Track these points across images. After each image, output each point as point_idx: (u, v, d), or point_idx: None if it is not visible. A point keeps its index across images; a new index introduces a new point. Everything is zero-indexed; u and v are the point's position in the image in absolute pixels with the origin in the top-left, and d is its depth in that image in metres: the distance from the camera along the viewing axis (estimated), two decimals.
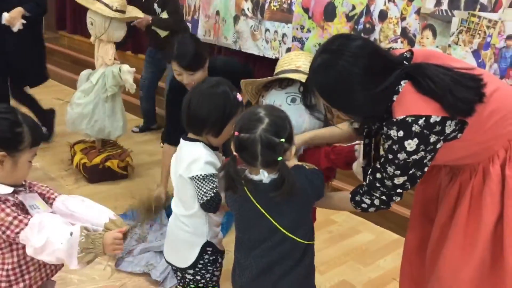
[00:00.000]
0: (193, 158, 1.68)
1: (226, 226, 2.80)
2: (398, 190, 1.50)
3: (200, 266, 1.78)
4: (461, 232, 1.53)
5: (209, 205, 1.67)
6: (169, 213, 1.99)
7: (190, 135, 1.75)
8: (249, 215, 1.53)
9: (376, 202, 1.54)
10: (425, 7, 3.14)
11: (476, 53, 2.94)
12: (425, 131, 1.35)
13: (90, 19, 3.37)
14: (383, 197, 1.52)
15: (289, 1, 3.99)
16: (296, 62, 1.87)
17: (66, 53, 6.90)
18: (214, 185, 1.66)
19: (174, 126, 2.65)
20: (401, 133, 1.37)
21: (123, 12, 3.37)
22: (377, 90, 1.37)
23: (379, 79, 1.37)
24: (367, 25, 3.49)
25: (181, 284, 1.92)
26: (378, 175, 1.49)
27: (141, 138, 4.59)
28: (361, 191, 1.57)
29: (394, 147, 1.40)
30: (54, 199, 1.67)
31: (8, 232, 1.45)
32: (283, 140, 1.42)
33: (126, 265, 2.60)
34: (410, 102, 1.38)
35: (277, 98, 1.87)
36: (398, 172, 1.43)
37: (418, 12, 3.18)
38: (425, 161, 1.42)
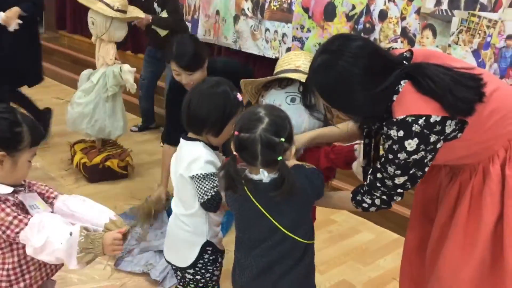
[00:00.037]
0: (193, 158, 1.68)
1: (226, 226, 2.80)
2: (399, 190, 1.50)
3: (200, 265, 1.78)
4: (461, 232, 1.53)
5: (210, 204, 1.68)
6: (169, 212, 1.99)
7: (190, 134, 1.75)
8: (249, 214, 1.54)
9: (377, 201, 1.54)
10: (425, 7, 3.14)
11: (476, 53, 2.94)
12: (425, 130, 1.35)
13: (91, 19, 3.37)
14: (384, 197, 1.52)
15: (289, 1, 3.99)
16: (296, 62, 1.87)
17: (66, 52, 6.90)
18: (215, 184, 1.66)
19: (174, 126, 2.64)
20: (401, 133, 1.37)
21: (124, 12, 3.38)
22: (377, 90, 1.37)
23: (379, 79, 1.37)
24: (367, 25, 3.49)
25: (181, 283, 1.92)
26: (379, 175, 1.49)
27: (141, 137, 4.59)
28: (362, 191, 1.57)
29: (394, 147, 1.40)
30: (53, 198, 1.67)
31: (8, 232, 1.45)
32: (283, 139, 1.42)
33: (125, 264, 2.61)
34: (410, 102, 1.38)
35: (276, 98, 1.87)
36: (399, 172, 1.43)
37: (418, 11, 3.18)
38: (425, 161, 1.42)
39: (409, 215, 1.86)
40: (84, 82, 3.55)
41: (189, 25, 4.96)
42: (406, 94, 1.39)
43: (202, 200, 1.67)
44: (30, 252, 1.45)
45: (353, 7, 3.55)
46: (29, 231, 1.43)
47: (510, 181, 1.45)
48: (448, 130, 1.37)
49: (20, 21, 3.53)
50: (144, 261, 2.62)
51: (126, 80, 3.34)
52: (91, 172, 3.58)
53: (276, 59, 2.02)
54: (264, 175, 1.46)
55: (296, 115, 1.80)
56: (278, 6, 4.10)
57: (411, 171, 1.43)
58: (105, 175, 3.60)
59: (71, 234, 1.42)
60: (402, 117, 1.37)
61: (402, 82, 1.41)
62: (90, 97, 3.46)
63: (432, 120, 1.35)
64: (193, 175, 1.67)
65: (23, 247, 1.48)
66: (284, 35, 4.09)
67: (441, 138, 1.38)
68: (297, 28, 3.97)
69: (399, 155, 1.39)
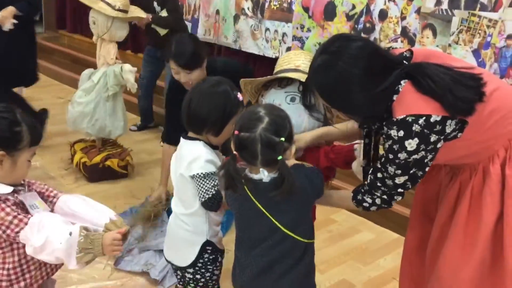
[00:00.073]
0: (194, 157, 1.68)
1: (226, 225, 2.80)
2: (400, 190, 1.50)
3: (200, 265, 1.78)
4: (461, 231, 1.53)
5: (211, 203, 1.68)
6: (169, 212, 1.99)
7: (190, 134, 1.75)
8: (249, 214, 1.53)
9: (378, 201, 1.54)
10: (425, 7, 3.14)
11: (476, 53, 2.94)
12: (425, 130, 1.35)
13: (93, 18, 3.37)
14: (385, 196, 1.52)
15: (289, 0, 3.99)
16: (296, 61, 1.87)
17: (66, 52, 6.90)
18: (215, 183, 1.66)
19: (174, 125, 2.64)
20: (401, 133, 1.37)
21: (125, 11, 3.38)
22: (377, 90, 1.37)
23: (379, 79, 1.37)
24: (367, 25, 3.49)
25: (181, 283, 1.92)
26: (379, 175, 1.49)
27: (141, 137, 4.60)
28: (362, 190, 1.57)
29: (394, 146, 1.39)
30: (53, 197, 1.67)
31: (8, 232, 1.45)
32: (283, 139, 1.42)
33: (125, 264, 2.61)
34: (410, 101, 1.38)
35: (276, 98, 1.87)
36: (399, 171, 1.43)
37: (418, 11, 3.18)
38: (426, 161, 1.41)
39: (409, 214, 1.86)
40: (85, 82, 3.56)
41: (189, 24, 4.96)
42: (406, 94, 1.39)
43: (203, 199, 1.67)
44: (30, 252, 1.45)
45: (353, 7, 3.55)
46: (29, 231, 1.43)
47: (510, 180, 1.45)
48: (448, 129, 1.37)
49: (15, 21, 3.49)
50: (143, 260, 2.62)
51: (127, 80, 3.34)
52: (91, 172, 3.58)
53: (276, 59, 2.02)
54: (264, 175, 1.46)
55: (296, 114, 1.80)
56: (278, 6, 4.10)
57: (411, 171, 1.43)
58: (105, 174, 3.60)
59: (70, 234, 1.42)
60: (402, 117, 1.37)
61: (402, 82, 1.41)
62: (90, 96, 3.46)
63: (432, 119, 1.35)
64: (194, 175, 1.67)
65: (24, 246, 1.48)
66: (284, 34, 4.09)
67: (441, 137, 1.38)
68: (297, 28, 3.97)
69: (399, 155, 1.39)
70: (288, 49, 4.03)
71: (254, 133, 1.42)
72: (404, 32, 3.28)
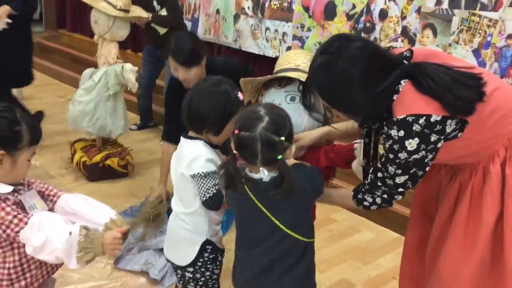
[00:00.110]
0: (194, 156, 1.68)
1: (226, 225, 2.80)
2: (400, 189, 1.50)
3: (199, 264, 1.78)
4: (461, 231, 1.53)
5: (212, 202, 1.68)
6: (169, 211, 1.99)
7: (190, 133, 1.75)
8: (249, 213, 1.54)
9: (378, 200, 1.54)
10: (425, 6, 3.14)
11: (476, 52, 2.94)
12: (425, 130, 1.35)
13: (94, 18, 3.38)
14: (385, 196, 1.52)
15: (289, 0, 3.99)
16: (296, 61, 1.87)
17: (66, 51, 6.90)
18: (216, 182, 1.66)
19: (173, 124, 2.65)
20: (401, 133, 1.37)
21: (127, 11, 3.38)
22: (377, 90, 1.37)
23: (379, 79, 1.37)
24: (368, 24, 3.49)
25: (181, 282, 1.92)
26: (380, 174, 1.49)
27: (141, 136, 4.60)
28: (363, 189, 1.57)
29: (395, 146, 1.39)
30: (53, 196, 1.67)
31: (8, 231, 1.45)
32: (283, 138, 1.42)
33: (125, 263, 2.61)
34: (410, 101, 1.38)
35: (276, 97, 1.87)
36: (399, 171, 1.43)
37: (418, 11, 3.18)
38: (426, 161, 1.41)
39: (409, 214, 1.86)
40: (86, 81, 3.56)
41: (189, 24, 4.96)
42: (406, 94, 1.39)
43: (204, 199, 1.67)
44: (30, 252, 1.45)
45: (354, 6, 3.55)
46: (28, 230, 1.43)
47: (510, 180, 1.45)
48: (448, 129, 1.37)
49: (9, 20, 3.44)
50: (143, 260, 2.62)
51: (128, 79, 3.34)
52: (91, 171, 3.58)
53: (276, 58, 2.02)
54: (264, 174, 1.46)
55: (296, 114, 1.80)
56: (278, 5, 4.10)
57: (411, 171, 1.43)
58: (105, 173, 3.60)
59: (70, 233, 1.42)
60: (402, 116, 1.37)
61: (402, 82, 1.41)
62: (91, 95, 3.46)
63: (432, 119, 1.35)
64: (194, 174, 1.67)
65: (24, 246, 1.48)
66: (284, 34, 4.08)
67: (442, 137, 1.38)
68: (297, 27, 3.96)
69: (399, 154, 1.39)
70: (288, 48, 4.03)
71: (254, 132, 1.42)
72: (405, 32, 3.28)
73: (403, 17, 3.27)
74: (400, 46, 3.25)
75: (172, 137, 2.71)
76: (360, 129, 1.70)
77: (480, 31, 2.89)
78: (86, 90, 3.49)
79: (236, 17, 4.50)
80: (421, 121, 1.34)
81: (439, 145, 1.39)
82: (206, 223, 1.76)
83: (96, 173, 3.58)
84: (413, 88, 1.38)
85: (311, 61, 1.47)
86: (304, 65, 1.81)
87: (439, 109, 1.35)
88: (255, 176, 1.49)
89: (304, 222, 1.56)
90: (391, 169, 1.44)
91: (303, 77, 1.78)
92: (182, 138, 1.78)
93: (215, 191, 1.66)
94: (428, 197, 1.74)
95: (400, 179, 1.45)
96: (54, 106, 4.95)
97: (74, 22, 7.25)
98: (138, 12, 3.56)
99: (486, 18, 2.85)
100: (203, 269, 1.79)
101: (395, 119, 1.38)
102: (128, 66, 3.36)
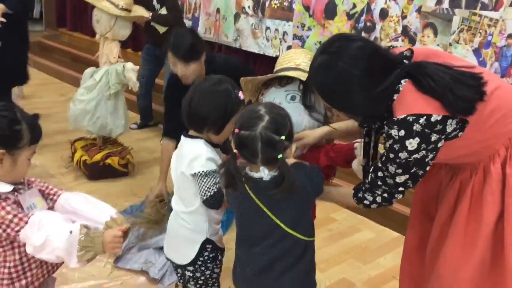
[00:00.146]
0: (194, 155, 1.68)
1: (226, 224, 2.80)
2: (400, 188, 1.50)
3: (199, 263, 1.78)
4: (461, 231, 1.52)
5: (212, 201, 1.68)
6: (170, 210, 1.99)
7: (191, 132, 1.75)
8: (249, 212, 1.54)
9: (378, 199, 1.54)
10: (426, 6, 3.14)
11: (477, 52, 2.93)
12: (426, 130, 1.35)
13: (96, 17, 3.39)
14: (385, 195, 1.52)
15: None
16: (296, 60, 1.87)
17: (66, 50, 6.91)
18: (217, 181, 1.66)
19: (173, 121, 2.66)
20: (402, 132, 1.37)
21: (129, 11, 3.39)
22: (377, 90, 1.37)
23: (379, 79, 1.37)
24: (368, 24, 3.49)
25: (181, 281, 1.92)
26: (380, 174, 1.49)
27: (141, 135, 4.60)
28: (363, 188, 1.57)
29: (395, 146, 1.39)
30: (53, 195, 1.67)
31: (8, 230, 1.45)
32: (283, 137, 1.42)
33: (125, 262, 2.61)
34: (410, 101, 1.38)
35: (276, 96, 1.87)
36: (400, 171, 1.43)
37: (419, 10, 3.18)
38: (426, 160, 1.41)
39: (409, 213, 1.86)
40: (87, 80, 3.57)
41: (189, 23, 4.95)
42: (406, 93, 1.39)
43: (204, 198, 1.67)
44: (30, 251, 1.45)
45: (354, 6, 3.55)
46: (29, 230, 1.43)
47: (510, 180, 1.45)
48: (449, 129, 1.37)
49: (3, 19, 3.40)
50: (143, 259, 2.63)
51: (129, 78, 3.36)
52: (91, 170, 3.58)
53: (277, 58, 2.02)
54: (264, 173, 1.46)
55: (296, 113, 1.80)
56: (278, 5, 4.10)
57: (412, 170, 1.43)
58: (106, 172, 3.60)
59: (71, 232, 1.42)
60: (403, 116, 1.37)
61: (402, 81, 1.40)
62: (92, 94, 3.47)
63: (433, 119, 1.34)
64: (195, 173, 1.67)
65: (24, 245, 1.48)
66: (284, 33, 4.08)
67: (442, 137, 1.38)
68: (297, 27, 3.96)
69: (400, 154, 1.39)
70: (289, 48, 4.03)
71: (254, 131, 1.42)
72: (405, 31, 3.28)
73: (404, 17, 3.27)
74: (401, 45, 3.25)
75: (171, 134, 2.72)
76: (360, 128, 1.70)
77: (480, 30, 2.89)
78: (87, 89, 3.50)
79: (237, 16, 4.50)
80: (422, 120, 1.34)
81: (439, 144, 1.39)
82: (206, 222, 1.76)
83: (97, 172, 3.58)
84: (414, 88, 1.38)
85: (311, 60, 1.47)
86: (304, 64, 1.81)
87: (440, 108, 1.35)
88: (255, 175, 1.49)
89: (304, 221, 1.56)
90: (392, 168, 1.44)
91: (303, 76, 1.78)
92: (182, 137, 1.78)
93: (215, 190, 1.66)
94: (428, 196, 1.73)
95: (400, 179, 1.45)
96: (54, 105, 4.96)
97: (74, 21, 7.25)
98: (140, 11, 3.57)
99: (486, 17, 2.85)
100: (203, 268, 1.79)
101: (395, 119, 1.38)
102: (129, 65, 3.37)
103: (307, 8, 3.87)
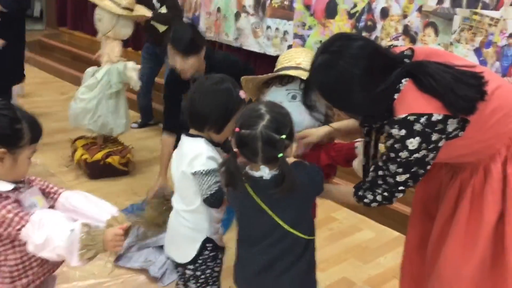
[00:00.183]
0: (195, 154, 1.68)
1: (227, 223, 2.80)
2: (401, 187, 1.50)
3: (200, 261, 1.78)
4: (462, 230, 1.52)
5: (213, 200, 1.68)
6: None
7: (191, 131, 1.75)
8: (250, 211, 1.54)
9: (379, 198, 1.54)
10: (427, 5, 3.13)
11: (478, 51, 2.93)
12: (427, 129, 1.35)
13: (98, 16, 3.40)
14: (386, 194, 1.52)
15: None
16: (297, 59, 1.86)
17: (66, 49, 6.90)
18: (217, 180, 1.66)
19: (172, 116, 2.67)
20: (403, 132, 1.37)
21: (130, 10, 3.39)
22: (378, 89, 1.37)
23: (380, 78, 1.37)
24: (369, 23, 3.48)
25: (182, 279, 1.92)
26: (380, 173, 1.49)
27: (142, 134, 4.60)
28: (363, 187, 1.57)
29: (396, 145, 1.39)
30: (54, 193, 1.67)
31: (9, 229, 1.45)
32: (284, 136, 1.42)
33: (125, 261, 2.62)
34: (411, 100, 1.38)
35: (277, 95, 1.87)
36: (400, 170, 1.43)
37: (420, 9, 3.18)
38: (427, 160, 1.41)
39: (409, 213, 1.86)
40: (88, 79, 3.57)
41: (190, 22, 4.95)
42: (407, 93, 1.39)
43: (205, 196, 1.67)
44: (31, 249, 1.45)
45: (355, 5, 3.54)
46: (30, 228, 1.43)
47: (511, 179, 1.45)
48: (450, 128, 1.37)
49: None
50: (143, 257, 2.63)
51: (130, 78, 3.36)
52: (92, 169, 3.58)
53: (277, 57, 2.02)
54: (265, 172, 1.46)
55: (297, 112, 1.79)
56: (279, 4, 4.09)
57: (412, 169, 1.43)
58: (106, 171, 3.60)
59: (72, 231, 1.42)
60: (403, 116, 1.37)
61: (403, 81, 1.40)
62: (93, 93, 3.48)
63: (433, 118, 1.34)
64: (196, 172, 1.67)
65: (25, 243, 1.48)
66: (285, 32, 4.08)
67: (443, 136, 1.38)
68: (298, 26, 3.96)
69: (400, 153, 1.39)
70: (289, 47, 4.03)
71: (255, 130, 1.41)
72: (406, 31, 3.28)
73: (405, 16, 3.27)
74: (401, 45, 3.25)
75: (171, 129, 2.74)
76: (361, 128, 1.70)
77: (481, 30, 2.89)
78: (88, 88, 3.50)
79: (237, 16, 4.50)
80: (423, 120, 1.34)
81: (440, 144, 1.39)
82: (207, 221, 1.76)
83: (97, 171, 3.58)
84: (414, 87, 1.38)
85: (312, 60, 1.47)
86: (305, 63, 1.81)
87: (441, 108, 1.34)
88: (256, 174, 1.49)
89: (305, 219, 1.56)
90: (392, 167, 1.44)
91: (304, 75, 1.78)
92: (183, 136, 1.78)
93: (216, 189, 1.66)
94: (429, 196, 1.73)
95: (401, 178, 1.45)
96: (55, 104, 4.96)
97: (75, 20, 7.25)
98: (142, 11, 3.58)
99: (487, 17, 2.85)
100: (203, 267, 1.79)
101: (396, 118, 1.38)
102: (131, 64, 3.38)
103: (308, 7, 3.87)
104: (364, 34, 3.46)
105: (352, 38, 1.42)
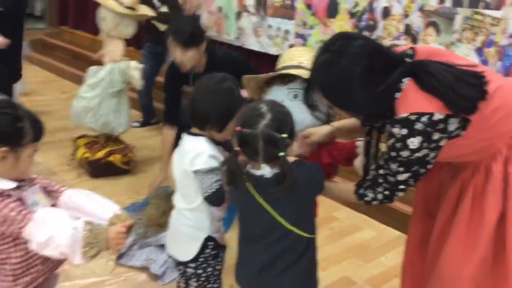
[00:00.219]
0: (197, 152, 1.68)
1: (228, 222, 2.80)
2: (401, 186, 1.50)
3: (201, 260, 1.79)
4: (463, 229, 1.53)
5: (214, 198, 1.68)
6: None
7: (193, 129, 1.76)
8: (251, 210, 1.54)
9: (379, 196, 1.54)
10: (428, 4, 3.13)
11: (479, 51, 2.93)
12: (428, 128, 1.35)
13: (102, 15, 3.40)
14: (387, 192, 1.53)
15: None
16: (299, 58, 1.87)
17: (68, 48, 6.90)
18: (218, 178, 1.66)
19: (172, 108, 2.70)
20: (404, 131, 1.37)
21: (134, 9, 3.40)
22: (379, 89, 1.37)
23: (381, 77, 1.37)
24: (370, 22, 3.48)
25: (183, 278, 1.93)
26: (381, 171, 1.49)
27: (143, 133, 4.60)
28: (364, 185, 1.57)
29: (397, 144, 1.39)
30: (56, 191, 1.68)
31: (12, 228, 1.45)
32: (285, 135, 1.42)
33: (126, 259, 2.62)
34: (412, 99, 1.38)
35: (279, 94, 1.87)
36: (401, 169, 1.43)
37: (421, 9, 3.17)
38: (428, 159, 1.41)
39: (411, 212, 1.86)
40: (91, 77, 3.57)
41: None
42: (408, 92, 1.39)
43: (206, 194, 1.68)
44: (34, 247, 1.45)
45: (356, 4, 3.54)
46: (33, 226, 1.44)
47: None
48: (451, 128, 1.37)
49: None
50: (144, 256, 2.64)
51: (133, 77, 3.37)
52: (93, 167, 3.59)
53: (278, 56, 2.02)
54: (266, 171, 1.46)
55: (298, 111, 1.79)
56: (281, 3, 4.09)
57: (413, 168, 1.43)
58: (108, 170, 3.60)
59: (75, 229, 1.43)
60: (405, 115, 1.37)
61: (404, 80, 1.40)
62: (95, 91, 3.48)
63: (435, 118, 1.35)
64: (197, 170, 1.67)
65: (28, 242, 1.48)
66: (286, 32, 4.08)
67: (444, 136, 1.38)
68: (299, 25, 3.96)
69: (401, 152, 1.39)
70: (291, 46, 4.02)
71: (256, 129, 1.42)
72: (407, 30, 3.28)
73: (406, 15, 3.26)
74: (403, 44, 3.25)
75: (172, 121, 2.76)
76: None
77: (483, 29, 2.89)
78: (90, 86, 3.51)
79: (239, 15, 4.50)
80: (424, 119, 1.34)
81: (441, 143, 1.39)
82: (208, 219, 1.76)
83: (99, 169, 3.59)
84: (416, 86, 1.38)
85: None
86: (307, 62, 1.81)
87: (442, 107, 1.35)
88: (257, 172, 1.49)
89: (306, 218, 1.56)
90: (393, 166, 1.44)
91: (306, 74, 1.78)
92: (184, 135, 1.78)
93: (217, 187, 1.66)
94: (430, 195, 1.73)
95: (402, 177, 1.45)
96: (56, 103, 4.96)
97: (76, 19, 7.24)
98: (145, 10, 3.59)
99: (489, 16, 2.85)
100: (204, 265, 1.80)
101: (397, 118, 1.38)
102: (134, 63, 3.40)
103: (309, 7, 3.87)
104: (365, 33, 3.45)
105: (353, 37, 1.42)
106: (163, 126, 2.90)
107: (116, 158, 3.61)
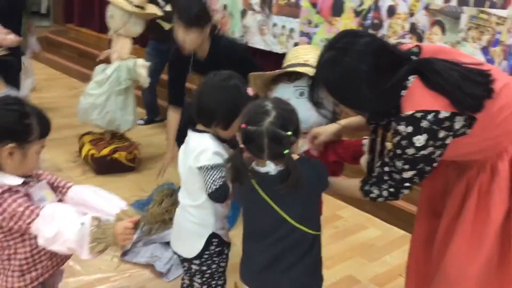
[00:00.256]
0: (201, 149, 1.69)
1: (233, 220, 2.80)
2: (407, 184, 1.50)
3: (206, 256, 1.79)
4: (468, 228, 1.52)
5: (218, 194, 1.68)
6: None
7: (199, 126, 1.76)
8: (256, 206, 1.54)
9: (385, 193, 1.54)
10: (434, 3, 3.12)
11: (485, 50, 2.92)
12: (434, 126, 1.35)
13: (110, 13, 3.43)
14: (392, 189, 1.53)
15: None
16: (305, 56, 1.87)
17: (73, 46, 6.92)
18: (222, 175, 1.66)
19: (176, 89, 2.76)
20: (410, 129, 1.37)
21: (142, 8, 3.42)
22: (385, 86, 1.37)
23: (387, 75, 1.37)
24: (375, 21, 3.47)
25: (187, 274, 1.93)
26: (387, 169, 1.49)
27: (149, 131, 4.61)
28: (370, 182, 1.57)
29: (403, 142, 1.39)
30: (63, 187, 1.69)
31: (20, 223, 1.46)
32: (289, 133, 1.42)
33: (131, 256, 2.63)
34: (418, 97, 1.38)
35: (285, 92, 1.87)
36: (407, 166, 1.43)
37: (427, 8, 3.17)
38: (433, 157, 1.41)
39: (416, 211, 1.86)
40: (98, 75, 3.59)
41: None
42: (414, 90, 1.39)
43: (210, 191, 1.68)
44: (42, 243, 1.46)
45: (361, 3, 3.54)
46: (41, 222, 1.44)
47: None
48: (457, 126, 1.37)
49: None
50: (149, 253, 2.65)
51: (140, 74, 3.39)
52: (99, 164, 3.60)
53: (283, 55, 2.02)
54: (271, 168, 1.47)
55: (304, 109, 1.79)
56: (286, 1, 4.09)
57: (419, 166, 1.43)
58: (113, 167, 3.62)
59: (82, 224, 1.44)
60: (411, 112, 1.37)
61: (410, 78, 1.40)
62: (102, 88, 3.51)
63: (441, 116, 1.35)
64: (201, 166, 1.67)
65: (35, 237, 1.49)
66: (291, 30, 4.08)
67: (450, 134, 1.38)
68: (304, 23, 3.96)
69: (407, 150, 1.39)
70: (296, 44, 4.02)
71: (261, 126, 1.42)
72: (413, 29, 3.27)
73: (411, 14, 3.26)
74: (408, 43, 3.24)
75: (176, 103, 2.82)
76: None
77: (489, 28, 2.88)
78: (97, 83, 3.54)
79: (244, 13, 4.50)
80: (430, 117, 1.34)
81: (447, 141, 1.39)
82: (213, 216, 1.77)
83: (104, 166, 3.60)
84: (422, 84, 1.38)
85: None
86: (313, 60, 1.81)
87: (448, 105, 1.35)
88: (262, 170, 1.50)
89: (312, 215, 1.57)
90: (399, 164, 1.44)
91: (312, 72, 1.78)
92: (189, 132, 1.79)
93: (221, 184, 1.66)
94: (435, 193, 1.73)
95: (407, 174, 1.45)
96: (62, 100, 4.97)
97: (81, 16, 7.26)
98: (153, 9, 3.61)
99: (495, 15, 2.84)
100: (209, 262, 1.80)
101: (403, 115, 1.38)
102: (141, 61, 3.42)
103: (314, 5, 3.87)
104: (370, 32, 3.45)
105: (358, 35, 1.43)
106: (168, 107, 2.93)
107: (121, 155, 3.63)
